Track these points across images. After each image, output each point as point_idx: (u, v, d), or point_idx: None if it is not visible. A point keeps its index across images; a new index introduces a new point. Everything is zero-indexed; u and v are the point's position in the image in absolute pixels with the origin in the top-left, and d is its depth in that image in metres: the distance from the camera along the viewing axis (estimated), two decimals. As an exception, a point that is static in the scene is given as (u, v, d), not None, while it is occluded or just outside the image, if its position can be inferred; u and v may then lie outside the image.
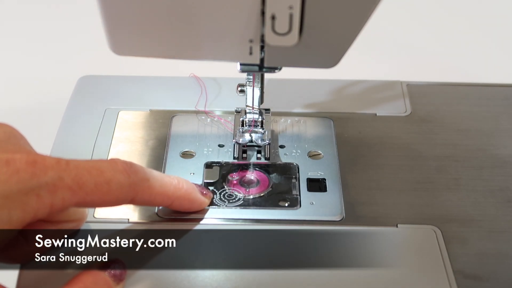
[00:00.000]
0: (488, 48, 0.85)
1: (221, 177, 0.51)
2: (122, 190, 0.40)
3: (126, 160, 0.41)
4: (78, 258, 0.43)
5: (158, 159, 0.52)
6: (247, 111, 0.53)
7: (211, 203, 0.48)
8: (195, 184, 0.47)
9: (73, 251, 0.44)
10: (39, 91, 0.76)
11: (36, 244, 0.42)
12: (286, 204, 0.49)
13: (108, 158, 0.52)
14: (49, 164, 0.37)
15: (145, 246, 0.45)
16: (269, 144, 0.53)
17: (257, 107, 0.53)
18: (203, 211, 0.47)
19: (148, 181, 0.42)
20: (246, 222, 0.47)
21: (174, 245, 0.45)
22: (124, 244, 0.45)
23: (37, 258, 0.43)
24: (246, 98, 0.52)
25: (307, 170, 0.52)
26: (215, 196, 0.49)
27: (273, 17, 0.40)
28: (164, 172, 0.51)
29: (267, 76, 0.53)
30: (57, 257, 0.43)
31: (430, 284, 0.43)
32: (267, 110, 0.55)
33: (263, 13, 0.41)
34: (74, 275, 0.41)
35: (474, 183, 0.51)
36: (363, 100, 0.60)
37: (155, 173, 0.43)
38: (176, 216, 0.47)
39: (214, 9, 0.41)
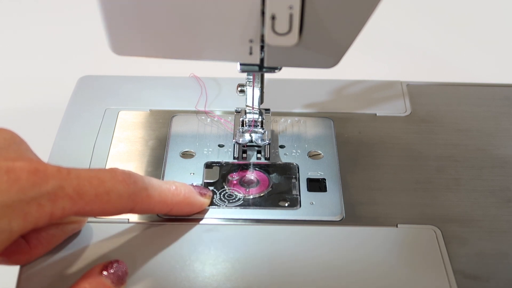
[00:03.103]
0: (488, 48, 0.85)
1: (221, 177, 0.51)
2: (122, 200, 0.40)
3: (125, 170, 0.41)
4: (78, 259, 0.43)
5: (158, 159, 0.52)
6: (247, 111, 0.53)
7: (211, 203, 0.48)
8: (194, 185, 0.47)
9: (73, 252, 0.44)
10: (39, 91, 0.76)
11: (37, 245, 0.42)
12: (286, 204, 0.49)
13: (107, 165, 0.52)
14: (50, 173, 0.37)
15: (145, 246, 0.45)
16: (269, 144, 0.53)
17: (257, 107, 0.53)
18: (203, 211, 0.47)
19: (147, 190, 0.42)
20: (246, 222, 0.47)
21: (174, 245, 0.45)
22: (124, 244, 0.45)
23: (38, 259, 0.43)
24: (246, 98, 0.52)
25: (307, 170, 0.52)
26: (215, 196, 0.49)
27: (273, 17, 0.40)
28: (164, 172, 0.51)
29: (267, 76, 0.53)
30: (57, 258, 0.43)
31: (430, 284, 0.43)
32: (267, 110, 0.55)
33: (263, 13, 0.41)
34: (74, 275, 0.42)
35: (474, 183, 0.51)
36: (363, 100, 0.60)
37: (154, 181, 0.43)
38: (176, 216, 0.47)
39: (214, 9, 0.41)
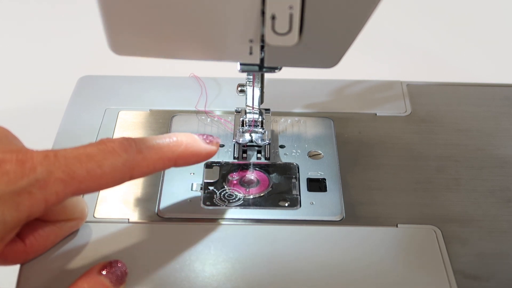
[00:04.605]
0: (488, 48, 0.85)
1: (221, 177, 0.51)
2: (117, 171, 0.39)
3: (116, 138, 0.40)
4: (77, 259, 0.43)
5: (158, 159, 0.52)
6: (247, 111, 0.53)
7: (212, 203, 0.48)
8: (200, 134, 0.45)
9: (73, 252, 0.44)
10: (39, 91, 0.76)
11: (33, 243, 0.42)
12: (286, 204, 0.49)
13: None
14: (37, 161, 0.36)
15: (145, 246, 0.45)
16: (269, 144, 0.53)
17: (257, 107, 0.53)
18: (203, 212, 0.47)
19: (141, 153, 0.40)
20: (246, 222, 0.47)
21: (174, 245, 0.45)
22: (124, 244, 0.45)
23: (38, 259, 0.43)
24: (246, 98, 0.52)
25: (307, 170, 0.52)
26: (215, 196, 0.49)
27: (273, 17, 0.40)
28: (164, 172, 0.51)
29: (267, 76, 0.53)
30: (57, 257, 0.43)
31: (430, 284, 0.43)
32: (267, 110, 0.55)
33: (263, 13, 0.41)
34: (74, 275, 0.41)
35: (474, 183, 0.51)
36: (363, 100, 0.60)
37: (149, 141, 0.41)
38: (176, 216, 0.47)
39: (214, 9, 0.41)
